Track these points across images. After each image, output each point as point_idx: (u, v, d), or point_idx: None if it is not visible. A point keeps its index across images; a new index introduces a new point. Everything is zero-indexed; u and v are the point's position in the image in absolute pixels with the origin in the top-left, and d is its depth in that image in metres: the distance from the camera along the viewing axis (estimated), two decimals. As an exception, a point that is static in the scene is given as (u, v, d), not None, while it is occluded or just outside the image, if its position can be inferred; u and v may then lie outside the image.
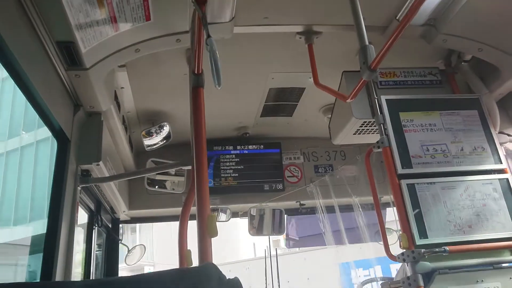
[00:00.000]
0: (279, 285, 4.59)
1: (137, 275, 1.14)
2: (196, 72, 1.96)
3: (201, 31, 1.77)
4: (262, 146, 4.39)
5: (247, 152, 4.34)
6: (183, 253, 2.06)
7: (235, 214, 4.39)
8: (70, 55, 2.19)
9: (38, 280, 2.47)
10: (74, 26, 2.02)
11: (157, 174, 4.02)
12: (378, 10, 2.59)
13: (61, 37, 2.08)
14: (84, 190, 2.92)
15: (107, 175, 2.97)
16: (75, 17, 1.98)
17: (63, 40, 2.10)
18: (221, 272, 1.05)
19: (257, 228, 4.42)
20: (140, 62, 2.83)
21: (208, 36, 1.63)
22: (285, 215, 4.41)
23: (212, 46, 1.62)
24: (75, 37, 2.07)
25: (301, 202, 4.38)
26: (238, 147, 4.35)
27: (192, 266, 1.78)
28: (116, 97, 3.09)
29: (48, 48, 2.11)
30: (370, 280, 4.17)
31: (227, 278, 1.08)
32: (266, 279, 4.64)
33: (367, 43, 2.06)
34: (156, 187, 4.13)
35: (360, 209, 4.13)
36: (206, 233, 1.54)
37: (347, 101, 2.46)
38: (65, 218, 2.38)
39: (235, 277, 1.10)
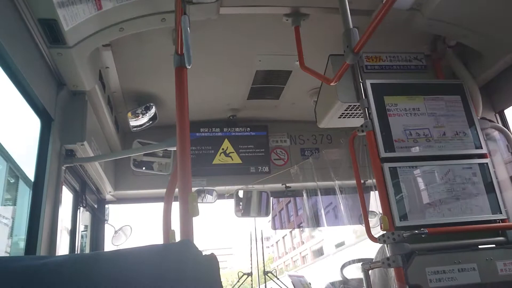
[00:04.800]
0: (264, 265, 4.70)
1: (119, 250, 1.16)
2: (179, 52, 1.95)
3: (181, 8, 1.76)
4: (249, 129, 4.40)
5: (233, 134, 4.35)
6: (168, 234, 2.08)
7: (221, 196, 4.41)
8: (53, 32, 2.16)
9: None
10: (57, 3, 1.99)
11: (144, 155, 4.02)
12: None
13: (43, 15, 2.05)
14: (69, 171, 2.91)
15: (92, 155, 2.96)
16: None
17: (45, 18, 2.07)
18: (197, 248, 1.07)
19: (243, 210, 4.46)
20: (126, 41, 2.80)
21: (184, 13, 1.61)
22: (271, 198, 4.44)
23: (184, 24, 1.60)
24: (57, 14, 2.04)
25: (287, 184, 4.41)
26: (225, 129, 4.36)
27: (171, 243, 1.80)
28: (101, 77, 3.06)
29: (30, 25, 2.08)
30: (350, 263, 4.24)
31: (203, 253, 1.11)
32: (251, 261, 4.73)
33: (351, 26, 2.07)
34: (143, 168, 4.12)
35: (343, 193, 4.18)
36: (188, 211, 1.56)
37: (331, 84, 2.47)
38: (49, 197, 2.38)
39: (212, 253, 1.12)
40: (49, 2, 1.95)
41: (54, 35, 2.18)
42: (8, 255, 2.25)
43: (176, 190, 1.97)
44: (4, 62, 1.93)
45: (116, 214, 4.57)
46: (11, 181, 2.32)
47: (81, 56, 2.46)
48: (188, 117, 1.87)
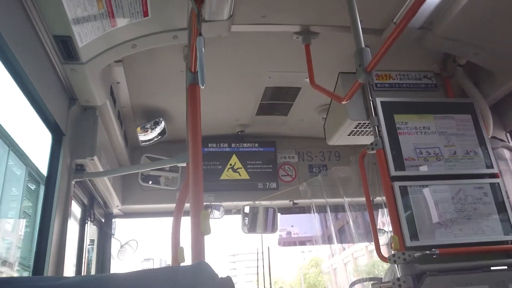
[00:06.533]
0: (270, 283, 4.63)
1: (132, 271, 1.15)
2: (192, 70, 1.97)
3: (197, 28, 1.78)
4: (257, 145, 4.39)
5: (242, 150, 4.35)
6: (176, 250, 2.07)
7: (228, 212, 4.39)
8: (67, 49, 2.19)
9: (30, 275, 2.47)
10: (72, 21, 2.01)
11: (151, 169, 4.01)
12: (376, 13, 2.60)
13: (58, 31, 2.08)
14: (78, 185, 2.92)
15: (101, 169, 2.97)
16: (73, 11, 1.98)
17: (60, 34, 2.09)
18: (213, 270, 1.06)
19: (250, 226, 4.43)
20: (137, 57, 2.83)
21: (200, 34, 1.63)
22: (278, 214, 4.42)
23: (199, 44, 1.61)
24: (72, 31, 2.07)
25: (295, 201, 4.39)
26: (233, 145, 4.36)
27: (186, 264, 1.79)
28: (111, 92, 3.09)
29: (45, 41, 2.11)
30: (360, 281, 4.19)
31: (219, 276, 1.10)
32: (258, 277, 4.67)
33: (363, 45, 2.07)
34: (150, 182, 4.11)
35: (352, 210, 4.14)
36: (200, 230, 1.54)
37: (342, 102, 2.47)
38: (59, 212, 2.38)
39: (227, 276, 1.11)
40: (64, 19, 1.98)
41: (68, 51, 2.20)
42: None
43: (186, 205, 1.97)
44: (18, 77, 1.95)
45: (121, 228, 4.57)
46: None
47: (93, 72, 2.48)
48: (201, 133, 1.87)
